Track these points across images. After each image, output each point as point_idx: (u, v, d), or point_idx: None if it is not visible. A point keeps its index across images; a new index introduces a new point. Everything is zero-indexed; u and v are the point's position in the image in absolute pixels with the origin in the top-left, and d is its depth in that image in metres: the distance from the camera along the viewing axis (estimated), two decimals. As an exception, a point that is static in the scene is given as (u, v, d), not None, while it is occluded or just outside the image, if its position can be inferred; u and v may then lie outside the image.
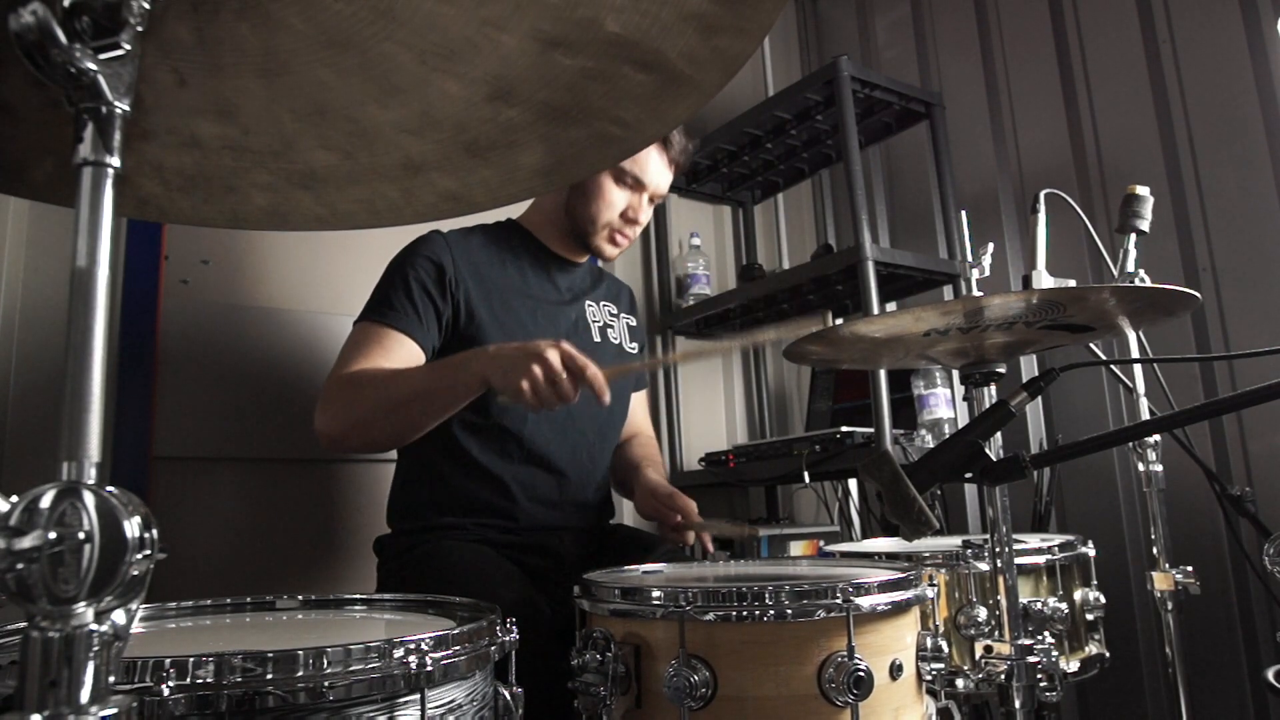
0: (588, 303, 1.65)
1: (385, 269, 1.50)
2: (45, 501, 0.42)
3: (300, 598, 1.03)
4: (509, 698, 0.78)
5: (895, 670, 0.87)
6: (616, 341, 1.67)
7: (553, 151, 0.78)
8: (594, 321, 1.64)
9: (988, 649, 1.06)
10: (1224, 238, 1.85)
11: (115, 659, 0.44)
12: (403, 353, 1.39)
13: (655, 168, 1.55)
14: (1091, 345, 1.37)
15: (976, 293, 1.30)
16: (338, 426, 1.33)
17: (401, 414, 1.32)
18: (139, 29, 0.50)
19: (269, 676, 0.62)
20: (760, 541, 2.14)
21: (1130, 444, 1.44)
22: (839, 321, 1.31)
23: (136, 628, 0.85)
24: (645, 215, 1.59)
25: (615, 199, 1.54)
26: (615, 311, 1.71)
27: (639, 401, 1.80)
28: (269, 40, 0.65)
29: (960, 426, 1.17)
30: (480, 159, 0.78)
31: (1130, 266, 1.33)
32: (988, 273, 1.32)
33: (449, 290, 1.46)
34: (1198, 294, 0.94)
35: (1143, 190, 1.32)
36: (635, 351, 1.71)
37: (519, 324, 1.51)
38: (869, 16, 2.74)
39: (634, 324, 1.74)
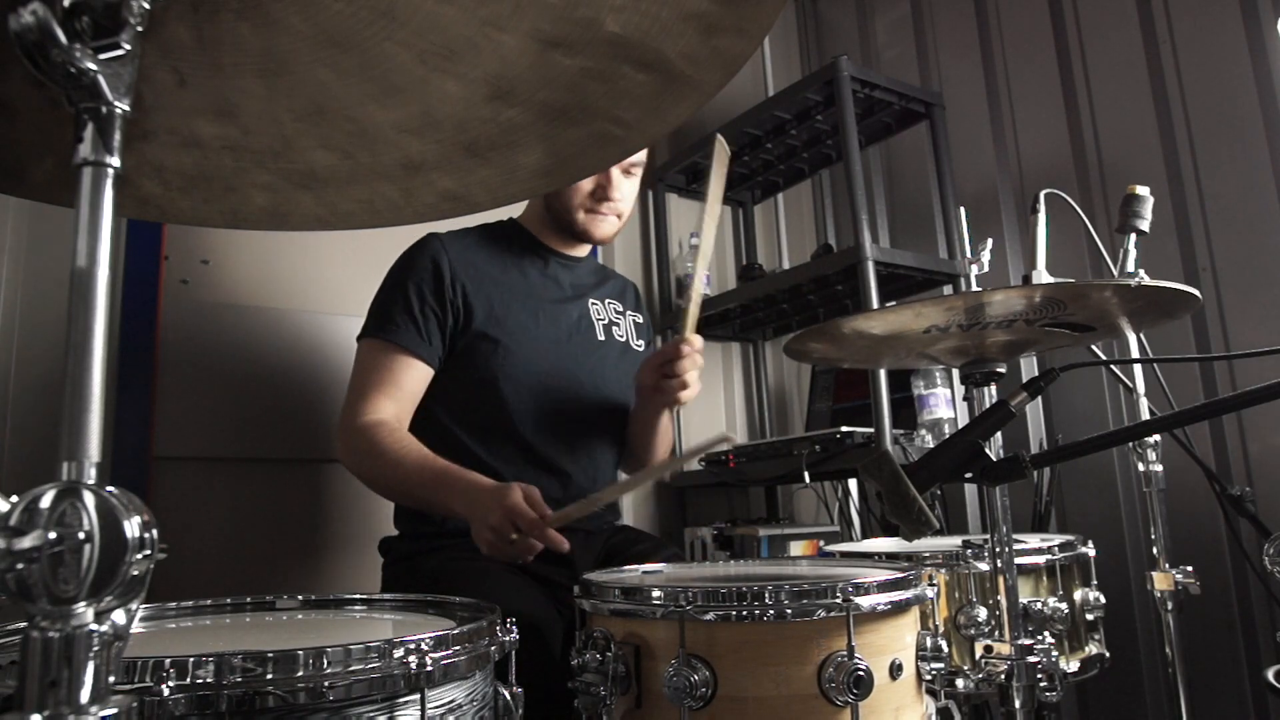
0: (591, 301, 1.64)
1: (385, 278, 1.50)
2: (45, 501, 0.42)
3: (300, 598, 1.03)
4: (509, 698, 0.78)
5: (895, 670, 0.87)
6: (622, 339, 1.66)
7: (553, 151, 0.78)
8: (598, 319, 1.64)
9: (988, 649, 1.06)
10: (1224, 238, 1.85)
11: (115, 659, 0.44)
12: (412, 377, 1.44)
13: None
14: (1092, 345, 1.37)
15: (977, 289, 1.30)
16: (352, 469, 1.44)
17: (401, 496, 1.47)
18: (139, 29, 0.50)
19: (269, 676, 0.62)
20: (760, 541, 2.14)
21: (1130, 444, 1.44)
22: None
23: (136, 628, 0.85)
24: (623, 190, 1.57)
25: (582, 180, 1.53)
26: (621, 309, 1.70)
27: None
28: (269, 40, 0.65)
29: (960, 426, 1.17)
30: (480, 159, 0.78)
31: (1130, 266, 1.33)
32: (987, 269, 1.32)
33: (448, 297, 1.46)
34: (1198, 294, 0.94)
35: (1143, 190, 1.32)
36: (642, 349, 1.70)
37: (520, 325, 1.50)
38: (869, 16, 2.74)
39: (641, 321, 1.73)
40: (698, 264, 1.35)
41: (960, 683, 1.14)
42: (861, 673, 0.81)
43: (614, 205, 1.57)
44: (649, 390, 1.48)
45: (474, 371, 1.46)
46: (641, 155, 1.58)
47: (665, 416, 1.61)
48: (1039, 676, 0.99)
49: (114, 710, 0.42)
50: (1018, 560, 1.11)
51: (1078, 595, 1.28)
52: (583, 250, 1.66)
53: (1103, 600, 1.29)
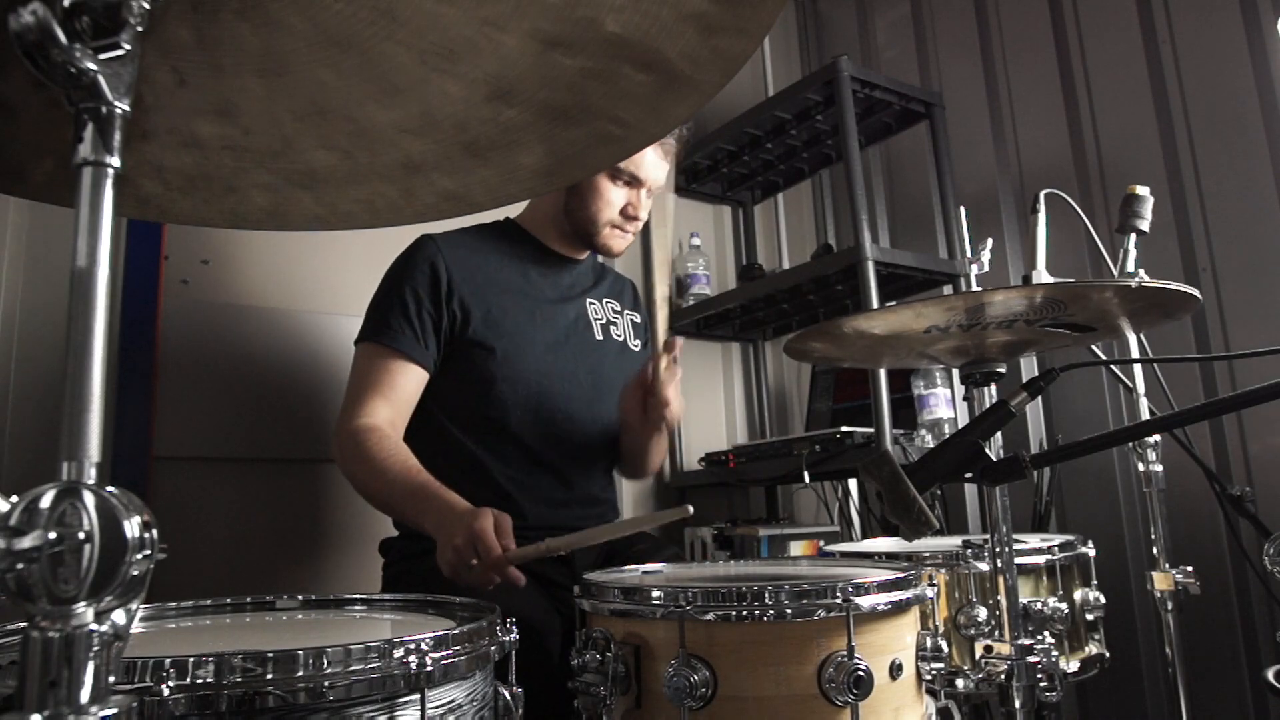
0: (589, 300, 1.65)
1: (381, 281, 1.50)
2: (45, 501, 0.42)
3: (300, 598, 1.03)
4: (509, 698, 0.78)
5: (895, 670, 0.87)
6: (620, 339, 1.67)
7: (553, 151, 0.78)
8: (595, 319, 1.64)
9: (988, 649, 1.06)
10: (1224, 238, 1.85)
11: (115, 659, 0.44)
12: (407, 380, 1.43)
13: (650, 162, 1.55)
14: (1092, 345, 1.36)
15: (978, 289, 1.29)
16: (344, 473, 1.44)
17: (382, 505, 1.43)
18: (139, 29, 0.50)
19: (269, 676, 0.62)
20: (760, 541, 2.14)
21: (1130, 444, 1.44)
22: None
23: (136, 628, 0.85)
24: (645, 210, 1.59)
25: (614, 197, 1.54)
26: (619, 308, 1.70)
27: None
28: (269, 40, 0.65)
29: (960, 426, 1.17)
30: (480, 159, 0.78)
31: (1130, 266, 1.33)
32: (987, 268, 1.32)
33: (443, 299, 1.46)
34: (1198, 294, 0.94)
35: (1143, 190, 1.32)
36: (639, 349, 1.70)
37: (516, 325, 1.50)
38: (869, 16, 2.74)
39: (639, 320, 1.74)
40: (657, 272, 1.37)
41: (960, 683, 1.14)
42: (861, 673, 0.81)
43: (637, 225, 1.59)
44: (636, 418, 1.47)
45: (472, 373, 1.47)
46: (662, 177, 1.59)
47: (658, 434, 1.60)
48: (1039, 676, 0.99)
49: (114, 710, 0.42)
50: (1018, 560, 1.11)
51: (1078, 595, 1.28)
52: (583, 253, 1.66)
53: (1103, 600, 1.29)
